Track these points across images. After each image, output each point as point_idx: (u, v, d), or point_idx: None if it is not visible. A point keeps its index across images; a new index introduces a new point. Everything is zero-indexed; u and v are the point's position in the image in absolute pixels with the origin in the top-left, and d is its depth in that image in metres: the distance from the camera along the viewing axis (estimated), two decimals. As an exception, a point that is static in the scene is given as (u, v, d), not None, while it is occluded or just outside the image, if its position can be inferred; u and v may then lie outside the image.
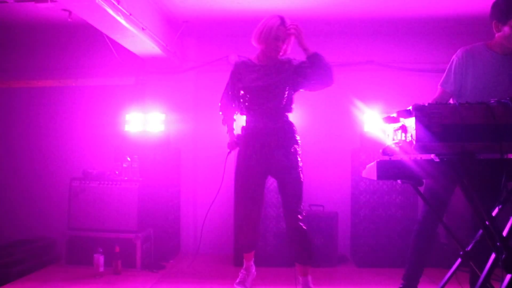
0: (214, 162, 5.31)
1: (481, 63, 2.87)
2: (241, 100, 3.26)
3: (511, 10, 2.73)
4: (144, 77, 5.33)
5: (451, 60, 2.96)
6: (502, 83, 2.83)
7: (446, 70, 2.98)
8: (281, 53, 3.15)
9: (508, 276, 2.02)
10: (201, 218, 5.30)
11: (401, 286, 3.16)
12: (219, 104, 3.42)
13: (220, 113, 3.43)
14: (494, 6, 2.83)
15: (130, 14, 3.66)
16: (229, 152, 3.41)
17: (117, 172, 4.54)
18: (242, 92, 3.22)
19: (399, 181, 2.73)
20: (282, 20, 3.08)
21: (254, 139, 3.21)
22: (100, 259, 4.14)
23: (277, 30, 3.05)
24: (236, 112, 3.41)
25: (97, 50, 5.26)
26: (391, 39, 5.29)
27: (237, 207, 3.46)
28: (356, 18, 4.79)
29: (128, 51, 4.71)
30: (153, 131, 4.87)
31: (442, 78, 3.00)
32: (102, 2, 3.23)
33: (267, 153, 3.18)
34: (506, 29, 2.77)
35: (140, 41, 4.25)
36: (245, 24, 5.01)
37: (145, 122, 4.87)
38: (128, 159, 4.54)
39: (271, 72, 3.17)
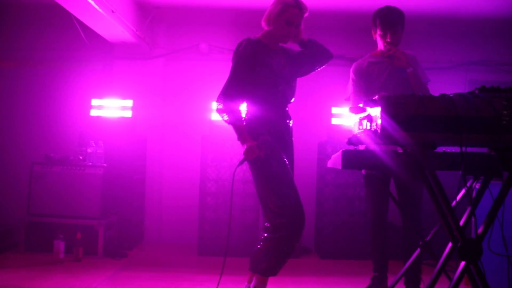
0: (181, 150, 5.30)
1: (372, 70, 3.21)
2: (260, 91, 2.70)
3: (375, 22, 3.20)
4: (112, 62, 5.23)
5: (350, 76, 3.33)
6: (394, 78, 3.16)
7: (350, 86, 3.34)
8: (291, 40, 2.82)
9: (463, 263, 2.08)
10: (166, 206, 5.28)
11: (375, 275, 3.25)
12: (225, 97, 2.62)
13: (221, 107, 2.62)
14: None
15: (100, -5, 3.59)
16: (244, 160, 2.63)
17: (81, 158, 4.45)
18: (267, 78, 2.69)
19: (363, 171, 2.78)
20: (297, 2, 2.68)
21: (275, 138, 2.69)
22: (60, 245, 4.06)
23: (290, 14, 2.67)
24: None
25: (63, 32, 5.12)
26: (361, 35, 5.34)
27: (291, 218, 2.63)
28: (328, 11, 4.82)
29: (97, 35, 4.62)
30: (120, 116, 4.79)
31: (349, 94, 3.34)
32: (70, -20, 3.15)
33: (287, 157, 2.77)
34: (377, 36, 3.22)
35: (109, 25, 4.17)
36: (216, 13, 5.00)
37: (112, 107, 4.78)
38: (93, 144, 4.45)
39: (287, 61, 2.81)
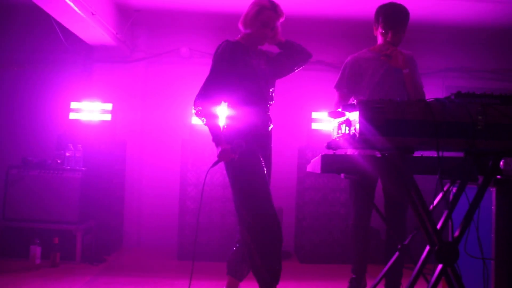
0: (161, 154, 5.27)
1: (367, 65, 3.13)
2: (242, 91, 2.71)
3: (378, 18, 3.10)
4: (92, 65, 5.18)
5: (343, 65, 3.23)
6: (389, 76, 3.11)
7: (339, 74, 3.23)
8: (267, 41, 2.83)
9: (440, 266, 2.12)
10: (146, 211, 5.24)
11: (353, 277, 3.27)
12: (203, 98, 2.62)
13: (200, 108, 2.62)
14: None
15: (79, -3, 3.56)
16: (218, 162, 2.64)
17: (59, 161, 4.39)
18: (247, 79, 2.70)
19: (342, 175, 2.81)
20: (272, 5, 2.72)
21: (256, 142, 2.72)
22: (36, 250, 3.99)
23: (266, 16, 2.70)
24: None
25: (42, 34, 5.05)
26: (339, 40, 5.41)
27: (261, 214, 2.63)
28: (307, 17, 4.86)
29: (77, 37, 4.57)
30: (99, 120, 4.74)
31: (336, 82, 3.24)
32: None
33: (265, 160, 2.78)
34: (378, 33, 3.15)
35: (89, 27, 4.13)
36: (197, 17, 5.00)
37: (91, 110, 4.73)
38: (72, 148, 4.39)
39: (266, 62, 2.83)
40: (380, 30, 3.10)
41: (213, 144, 2.64)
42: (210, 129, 2.62)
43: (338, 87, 3.23)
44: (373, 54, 3.16)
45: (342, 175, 2.77)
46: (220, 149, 2.58)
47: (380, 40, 3.15)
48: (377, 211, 2.71)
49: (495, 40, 5.45)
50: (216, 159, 2.62)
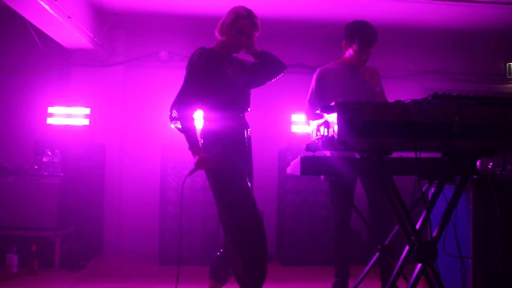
0: (141, 158, 5.22)
1: (336, 77, 3.29)
2: (217, 99, 2.69)
3: (353, 37, 3.23)
4: (70, 69, 5.11)
5: (312, 79, 3.39)
6: (357, 87, 3.26)
7: (310, 89, 3.39)
8: (243, 50, 2.82)
9: (419, 265, 2.14)
10: (126, 216, 5.18)
11: (337, 280, 3.28)
12: (179, 105, 2.58)
13: (175, 116, 2.59)
14: (345, 28, 3.33)
15: (55, 0, 3.50)
16: (194, 171, 2.62)
17: (36, 167, 4.31)
18: (221, 86, 2.68)
19: (322, 177, 2.83)
20: (249, 14, 2.71)
21: (234, 148, 2.69)
22: (13, 259, 3.90)
23: (241, 24, 2.69)
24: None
25: (17, 37, 4.96)
26: (319, 43, 5.45)
27: (244, 221, 2.59)
28: (287, 20, 4.88)
29: (53, 41, 4.50)
30: (77, 125, 4.68)
31: (308, 96, 3.39)
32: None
33: (246, 165, 2.77)
34: (351, 50, 3.29)
35: (66, 31, 4.07)
36: (176, 20, 4.98)
37: (69, 115, 4.66)
38: (49, 153, 4.32)
39: (241, 71, 2.83)
40: (355, 47, 3.24)
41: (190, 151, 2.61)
42: (186, 136, 2.59)
43: (309, 100, 3.37)
44: (343, 66, 3.33)
45: (322, 176, 2.80)
46: (197, 157, 2.55)
47: (350, 54, 3.31)
48: (358, 213, 2.72)
49: (471, 43, 5.55)
50: (193, 166, 2.60)
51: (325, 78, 3.30)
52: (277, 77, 2.93)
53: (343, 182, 3.06)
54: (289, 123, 4.80)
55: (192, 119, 2.60)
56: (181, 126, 2.57)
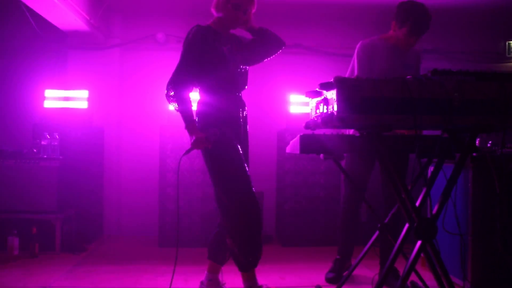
0: (139, 141, 5.22)
1: (379, 53, 3.13)
2: (213, 77, 2.67)
3: (406, 19, 3.04)
4: (66, 52, 5.07)
5: (356, 51, 3.21)
6: (396, 70, 3.08)
7: (355, 60, 3.21)
8: (240, 25, 2.78)
9: (419, 242, 2.14)
10: (126, 198, 5.19)
11: (337, 258, 3.31)
12: (176, 84, 2.57)
13: (172, 94, 2.58)
14: (398, 7, 3.13)
15: (50, -19, 3.46)
16: (190, 150, 2.59)
17: (35, 150, 4.31)
18: (218, 64, 2.66)
19: (321, 156, 2.83)
20: None
21: (230, 128, 2.68)
22: (14, 241, 3.93)
23: None
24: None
25: (12, 20, 4.92)
26: (318, 24, 5.40)
27: (239, 199, 2.59)
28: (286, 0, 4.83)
29: (49, 23, 4.46)
30: (75, 108, 4.65)
31: (353, 67, 3.23)
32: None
33: (241, 145, 2.75)
34: (399, 32, 3.11)
35: (62, 12, 4.03)
36: (173, 1, 4.92)
37: (67, 98, 4.63)
38: (48, 136, 4.31)
39: (238, 48, 2.79)
40: (404, 32, 3.07)
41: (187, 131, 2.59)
42: (183, 116, 2.57)
43: (358, 70, 3.18)
44: (386, 44, 3.16)
45: (322, 155, 2.79)
46: (194, 137, 2.54)
47: (398, 36, 3.13)
48: (357, 191, 2.73)
49: (470, 21, 5.50)
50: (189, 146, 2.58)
51: (369, 51, 3.14)
52: (276, 54, 2.89)
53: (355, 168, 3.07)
54: (287, 103, 4.78)
55: (188, 98, 2.59)
56: (177, 106, 2.57)
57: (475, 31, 5.62)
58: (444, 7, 5.02)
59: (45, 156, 4.26)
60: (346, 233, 3.35)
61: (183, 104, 2.56)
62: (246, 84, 2.84)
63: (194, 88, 2.69)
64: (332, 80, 2.03)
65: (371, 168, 3.28)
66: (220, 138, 2.57)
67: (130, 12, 5.23)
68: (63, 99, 4.63)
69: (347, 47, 5.25)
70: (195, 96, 2.70)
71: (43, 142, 4.29)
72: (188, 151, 2.60)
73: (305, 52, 5.33)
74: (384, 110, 2.02)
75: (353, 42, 5.22)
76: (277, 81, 5.22)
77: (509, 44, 5.66)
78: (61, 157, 4.30)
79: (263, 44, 2.83)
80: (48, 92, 4.62)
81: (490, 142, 3.26)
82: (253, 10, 2.75)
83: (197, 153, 4.46)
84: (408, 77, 2.09)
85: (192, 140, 2.54)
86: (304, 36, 5.34)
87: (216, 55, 2.65)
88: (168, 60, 5.06)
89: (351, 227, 3.34)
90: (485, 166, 2.84)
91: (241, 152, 2.67)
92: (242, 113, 2.79)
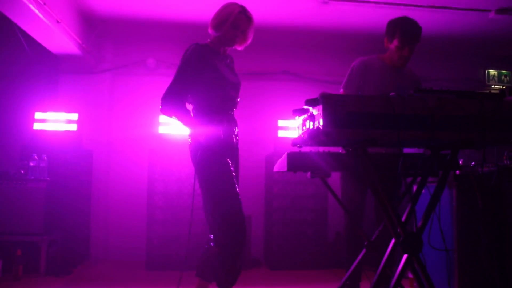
0: (128, 164, 5.22)
1: (374, 71, 3.20)
2: (210, 96, 2.70)
3: (394, 32, 3.13)
4: (58, 75, 5.12)
5: (351, 67, 3.26)
6: (388, 89, 3.02)
7: (347, 76, 3.27)
8: (237, 45, 2.82)
9: (405, 256, 2.17)
10: (113, 221, 5.15)
11: (347, 283, 3.26)
12: (171, 96, 2.60)
13: (167, 105, 2.60)
14: (387, 26, 3.23)
15: (44, 4, 3.53)
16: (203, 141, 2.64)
17: (22, 172, 4.29)
18: (215, 81, 2.68)
19: (308, 174, 2.87)
20: (242, 8, 2.74)
21: (224, 145, 2.70)
22: (-2, 263, 3.87)
23: (236, 18, 2.70)
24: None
25: (5, 42, 4.96)
26: (306, 51, 5.54)
27: (230, 217, 2.62)
28: (273, 27, 4.96)
29: (41, 46, 4.52)
30: (65, 130, 4.68)
31: (343, 82, 3.28)
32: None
33: (233, 164, 2.76)
34: (392, 46, 3.17)
35: (54, 36, 4.10)
36: (163, 27, 5.03)
37: (56, 121, 4.66)
38: (36, 158, 4.31)
39: (232, 68, 2.85)
40: (396, 44, 3.14)
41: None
42: (180, 119, 2.62)
43: (345, 87, 3.24)
44: (382, 63, 3.23)
45: (309, 174, 2.83)
46: (194, 130, 2.64)
47: (392, 51, 3.19)
48: (339, 203, 2.75)
49: (453, 51, 5.69)
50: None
51: (364, 68, 3.19)
52: None
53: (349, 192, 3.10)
54: (276, 128, 4.85)
55: (183, 104, 2.64)
56: (172, 113, 2.61)
57: (457, 60, 5.81)
58: (429, 37, 5.18)
59: (32, 178, 4.25)
60: (351, 256, 3.29)
61: (179, 110, 2.61)
62: (237, 105, 2.89)
63: (187, 102, 2.73)
64: (318, 97, 2.09)
65: (365, 191, 3.29)
66: (214, 156, 2.62)
67: (122, 38, 5.33)
68: (53, 121, 4.65)
69: (333, 74, 5.40)
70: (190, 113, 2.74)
71: (31, 164, 4.29)
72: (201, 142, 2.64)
73: (291, 79, 5.44)
74: (369, 125, 2.07)
75: (339, 69, 5.39)
76: (265, 107, 5.31)
77: (488, 72, 5.88)
78: (48, 178, 4.29)
79: None
80: (38, 114, 4.65)
81: (473, 162, 3.33)
82: (251, 33, 2.81)
83: (186, 178, 4.50)
84: (392, 94, 2.16)
85: (199, 132, 2.63)
86: (290, 62, 5.47)
87: (213, 71, 2.69)
88: (158, 85, 5.10)
89: (354, 250, 3.28)
90: (468, 185, 2.91)
91: (233, 173, 2.71)
92: (235, 131, 2.83)
